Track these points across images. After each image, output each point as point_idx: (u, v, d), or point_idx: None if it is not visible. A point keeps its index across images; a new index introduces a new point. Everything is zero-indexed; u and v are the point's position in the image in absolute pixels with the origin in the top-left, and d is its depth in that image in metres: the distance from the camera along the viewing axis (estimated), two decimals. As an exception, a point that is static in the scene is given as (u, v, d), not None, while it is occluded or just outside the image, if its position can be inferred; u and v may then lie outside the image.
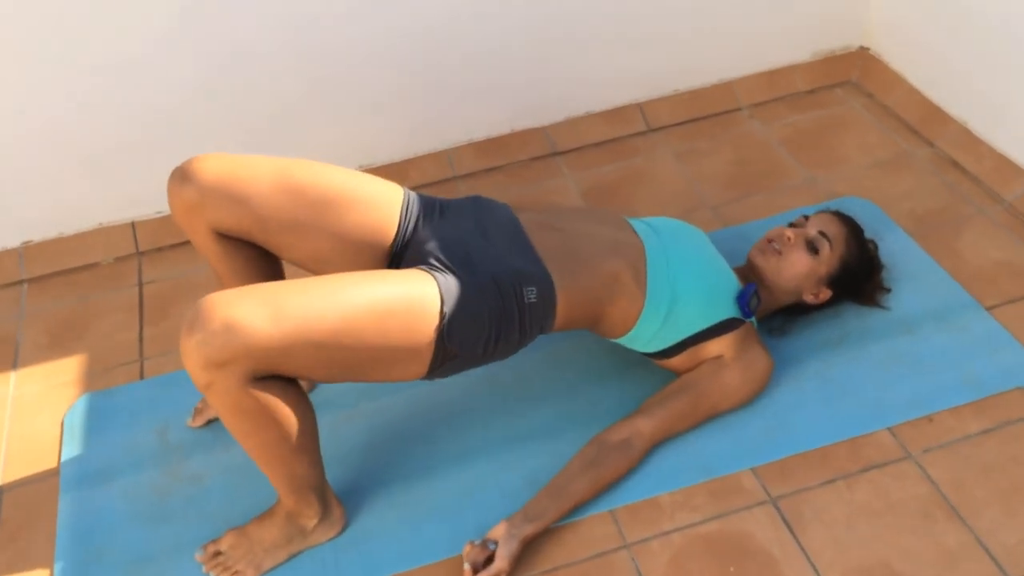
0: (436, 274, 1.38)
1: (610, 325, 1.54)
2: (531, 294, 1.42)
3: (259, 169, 1.45)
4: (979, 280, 1.83)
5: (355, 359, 1.30)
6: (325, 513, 1.47)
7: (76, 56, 1.94)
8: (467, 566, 1.38)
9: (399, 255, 1.50)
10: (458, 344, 1.37)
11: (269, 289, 1.28)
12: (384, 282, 1.34)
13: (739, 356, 1.57)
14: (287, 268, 1.63)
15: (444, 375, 1.42)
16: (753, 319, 1.62)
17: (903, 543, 1.42)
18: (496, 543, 1.40)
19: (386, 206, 1.50)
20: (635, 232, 1.59)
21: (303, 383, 1.70)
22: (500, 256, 1.45)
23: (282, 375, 1.29)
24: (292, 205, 1.44)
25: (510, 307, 1.41)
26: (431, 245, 1.46)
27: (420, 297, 1.34)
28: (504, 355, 1.46)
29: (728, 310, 1.57)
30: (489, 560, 1.39)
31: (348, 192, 1.47)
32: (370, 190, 1.50)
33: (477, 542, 1.41)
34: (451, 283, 1.38)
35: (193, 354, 1.21)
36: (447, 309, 1.35)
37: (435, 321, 1.34)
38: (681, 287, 1.53)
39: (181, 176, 1.44)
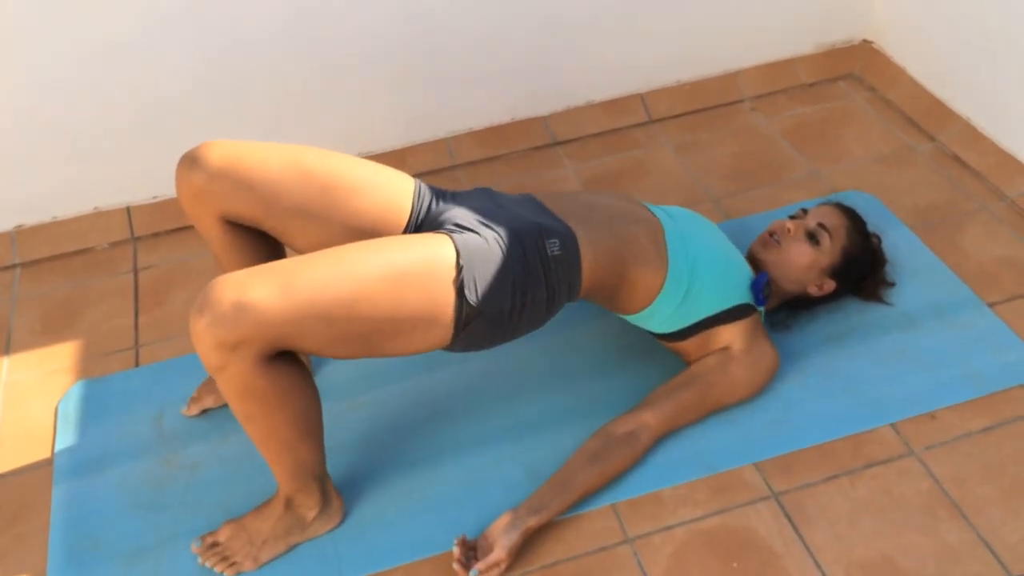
0: (452, 234, 1.35)
1: (631, 296, 1.51)
2: (554, 247, 1.39)
3: (268, 155, 1.42)
4: (982, 276, 1.83)
5: (372, 328, 1.27)
6: (324, 504, 1.46)
7: (74, 38, 1.91)
8: (456, 565, 1.37)
9: None
10: (480, 298, 1.32)
11: (278, 266, 1.26)
12: (396, 245, 1.31)
13: (746, 349, 1.56)
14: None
15: (470, 345, 1.38)
16: (763, 309, 1.62)
17: (906, 540, 1.41)
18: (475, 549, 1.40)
19: (397, 192, 1.47)
20: (650, 211, 1.59)
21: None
22: (518, 215, 1.43)
23: (293, 356, 1.28)
24: (301, 191, 1.41)
25: (533, 259, 1.37)
26: (445, 216, 1.43)
27: (435, 255, 1.31)
28: (533, 320, 1.42)
29: (742, 295, 1.56)
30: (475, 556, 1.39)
31: (359, 178, 1.45)
32: (381, 177, 1.47)
33: (469, 539, 1.41)
34: (469, 238, 1.34)
35: (204, 336, 1.19)
36: (464, 262, 1.31)
37: (452, 275, 1.30)
38: (699, 266, 1.52)
39: (190, 161, 1.42)
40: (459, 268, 1.31)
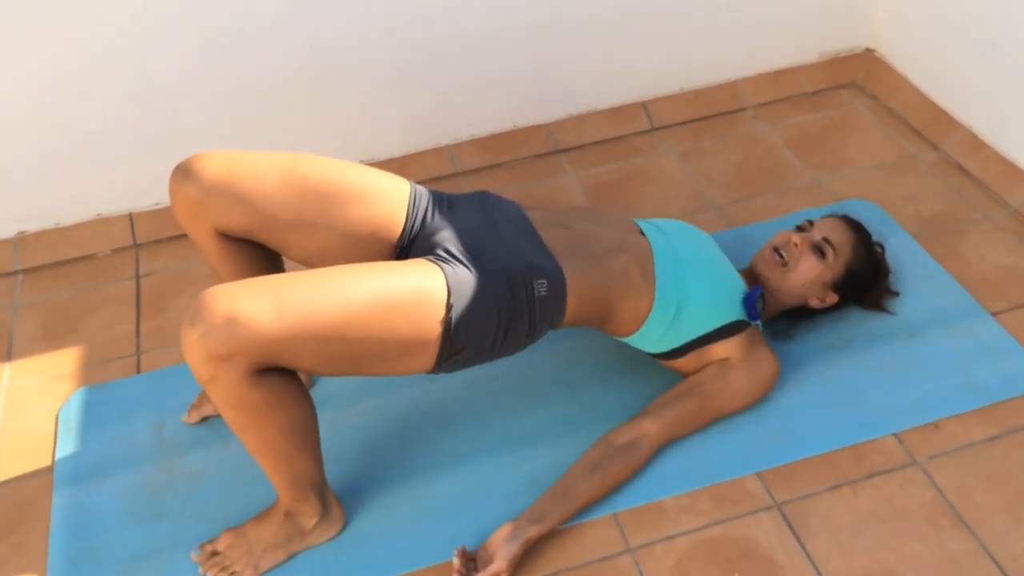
0: (444, 265, 1.36)
1: (619, 323, 1.53)
2: (542, 288, 1.40)
3: (263, 166, 1.42)
4: (984, 285, 1.82)
5: (359, 352, 1.28)
6: (324, 513, 1.45)
7: (77, 45, 1.91)
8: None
9: (406, 250, 1.48)
10: (465, 338, 1.34)
11: (272, 281, 1.26)
12: (390, 274, 1.32)
13: (746, 358, 1.56)
14: (290, 265, 1.61)
15: (450, 370, 1.40)
16: (759, 322, 1.61)
17: (908, 550, 1.40)
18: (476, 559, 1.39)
19: (393, 200, 1.47)
20: (642, 233, 1.58)
21: (303, 379, 1.68)
22: (512, 248, 1.43)
23: (284, 368, 1.28)
24: (297, 201, 1.41)
25: (520, 300, 1.38)
26: (440, 236, 1.44)
27: (427, 290, 1.31)
28: (511, 351, 1.44)
29: (735, 312, 1.56)
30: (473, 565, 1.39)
31: (354, 186, 1.45)
32: (376, 184, 1.48)
33: (469, 550, 1.40)
34: (460, 275, 1.35)
35: (195, 347, 1.19)
36: (455, 302, 1.32)
37: (442, 314, 1.31)
38: (689, 288, 1.52)
39: (183, 174, 1.41)
40: (449, 307, 1.32)
